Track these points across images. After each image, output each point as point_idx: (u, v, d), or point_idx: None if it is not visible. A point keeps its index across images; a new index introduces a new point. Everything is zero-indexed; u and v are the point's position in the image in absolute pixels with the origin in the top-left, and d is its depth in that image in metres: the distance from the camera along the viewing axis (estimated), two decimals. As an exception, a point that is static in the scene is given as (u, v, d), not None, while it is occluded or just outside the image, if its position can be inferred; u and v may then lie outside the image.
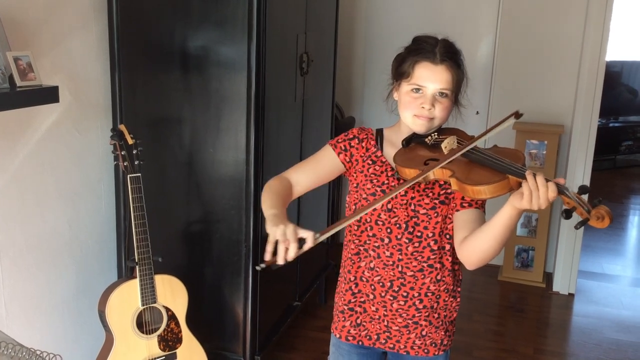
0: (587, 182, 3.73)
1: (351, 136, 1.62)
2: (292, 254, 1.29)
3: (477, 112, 4.05)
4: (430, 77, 1.49)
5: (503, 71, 4.03)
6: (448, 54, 1.50)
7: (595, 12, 3.59)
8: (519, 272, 4.02)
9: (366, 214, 1.57)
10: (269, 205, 1.45)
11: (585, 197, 1.27)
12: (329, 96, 3.41)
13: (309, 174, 1.62)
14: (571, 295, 3.87)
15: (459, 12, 4.08)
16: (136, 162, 2.19)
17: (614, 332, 3.42)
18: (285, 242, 1.29)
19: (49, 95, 1.97)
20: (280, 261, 1.30)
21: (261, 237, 2.55)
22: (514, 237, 3.98)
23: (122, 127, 2.21)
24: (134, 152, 2.18)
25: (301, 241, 1.31)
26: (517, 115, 1.48)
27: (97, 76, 2.52)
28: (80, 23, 2.41)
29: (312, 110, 3.08)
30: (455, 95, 1.53)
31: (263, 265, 1.33)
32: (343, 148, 1.60)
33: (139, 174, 2.19)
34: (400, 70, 1.54)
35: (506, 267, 4.03)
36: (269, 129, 2.54)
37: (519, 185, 1.30)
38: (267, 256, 1.31)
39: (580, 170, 3.73)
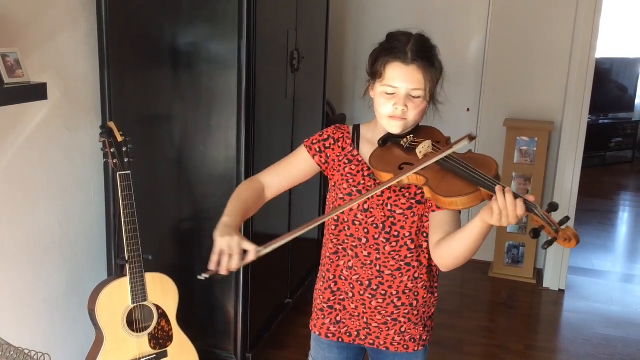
0: (577, 179, 3.75)
1: (325, 136, 1.60)
2: (234, 265, 1.34)
3: (468, 109, 4.06)
4: (401, 78, 1.47)
5: (494, 68, 4.04)
6: (420, 52, 1.46)
7: (585, 9, 3.61)
8: (509, 268, 4.03)
9: (342, 213, 1.58)
10: (227, 211, 1.48)
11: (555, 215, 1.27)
12: (320, 93, 3.41)
13: (282, 177, 1.63)
14: (561, 291, 3.89)
15: (450, 9, 4.08)
16: (126, 160, 2.18)
17: (603, 327, 3.44)
18: (229, 253, 1.33)
19: (38, 92, 1.95)
20: (222, 271, 1.34)
21: (252, 236, 2.54)
22: (505, 234, 4.00)
23: (111, 125, 2.20)
24: (123, 150, 2.17)
25: (245, 253, 1.35)
26: (471, 138, 1.43)
27: (86, 73, 2.51)
28: (69, 20, 2.39)
29: (303, 107, 3.07)
30: (430, 94, 1.50)
31: (206, 275, 1.36)
32: (318, 150, 1.59)
33: (129, 172, 2.18)
34: (374, 69, 1.52)
35: (497, 264, 4.05)
36: (259, 126, 2.53)
37: (491, 197, 1.30)
38: (212, 265, 1.35)
39: (570, 166, 3.75)
